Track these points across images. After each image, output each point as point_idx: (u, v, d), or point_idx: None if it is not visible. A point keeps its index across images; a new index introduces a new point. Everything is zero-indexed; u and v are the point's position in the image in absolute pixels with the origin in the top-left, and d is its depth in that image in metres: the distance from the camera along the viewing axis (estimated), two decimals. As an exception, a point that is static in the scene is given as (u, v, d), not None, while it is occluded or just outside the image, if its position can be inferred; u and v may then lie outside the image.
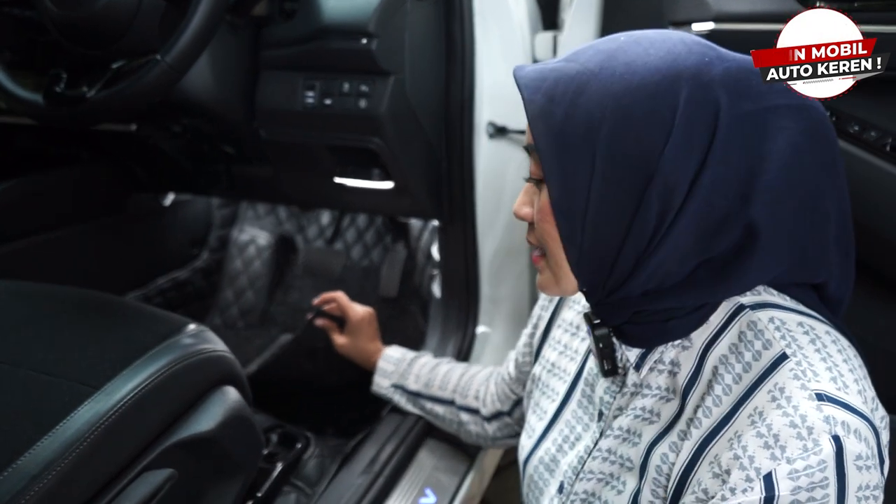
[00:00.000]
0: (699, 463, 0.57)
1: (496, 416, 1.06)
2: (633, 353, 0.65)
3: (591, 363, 0.74)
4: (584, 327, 0.78)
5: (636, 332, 0.63)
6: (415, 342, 1.58)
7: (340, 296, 1.34)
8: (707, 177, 0.55)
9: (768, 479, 0.52)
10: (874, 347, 0.70)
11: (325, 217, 2.08)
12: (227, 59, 1.22)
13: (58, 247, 1.52)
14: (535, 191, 0.64)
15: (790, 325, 0.59)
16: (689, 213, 0.56)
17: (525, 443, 0.80)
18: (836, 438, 0.51)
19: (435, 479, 1.23)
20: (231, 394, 0.97)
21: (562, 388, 0.77)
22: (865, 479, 0.52)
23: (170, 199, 1.83)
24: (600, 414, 0.70)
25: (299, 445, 1.21)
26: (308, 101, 1.23)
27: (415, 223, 1.90)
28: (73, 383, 0.83)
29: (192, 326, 1.01)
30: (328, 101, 1.22)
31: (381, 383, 1.24)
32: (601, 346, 0.66)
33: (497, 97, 1.38)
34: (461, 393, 1.12)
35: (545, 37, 1.39)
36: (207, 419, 0.90)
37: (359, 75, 1.20)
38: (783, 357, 0.56)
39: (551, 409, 0.78)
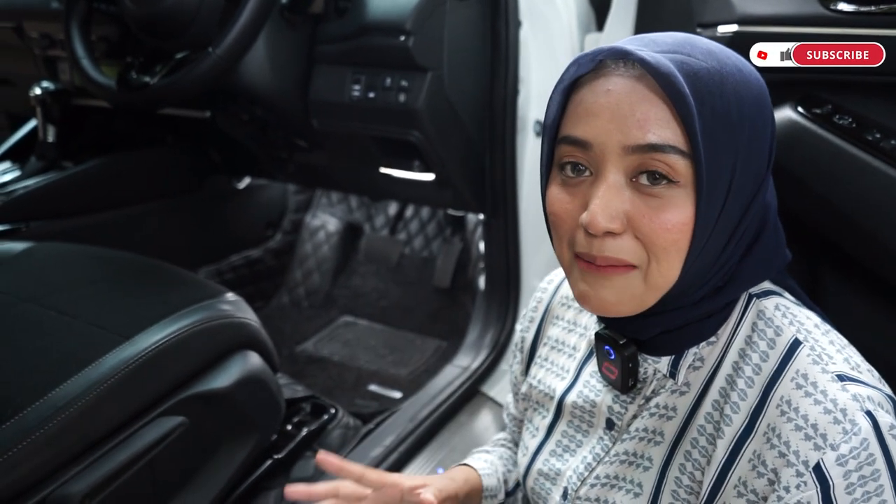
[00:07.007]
0: (738, 459, 0.57)
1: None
2: (662, 364, 0.63)
3: (587, 376, 0.72)
4: (575, 343, 0.76)
5: (670, 340, 0.61)
6: (463, 332, 1.63)
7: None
8: (769, 173, 0.58)
9: (818, 470, 0.52)
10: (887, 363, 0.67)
11: (393, 208, 2.17)
12: (285, 53, 1.32)
13: (141, 219, 1.70)
14: (623, 198, 0.54)
15: (794, 311, 0.60)
16: (756, 210, 0.58)
17: (521, 460, 0.79)
18: (869, 413, 0.52)
19: (449, 461, 1.27)
20: (252, 358, 1.06)
21: (552, 405, 0.76)
22: None
23: (245, 182, 1.97)
24: (610, 423, 0.68)
25: (326, 416, 1.29)
26: (354, 93, 1.31)
27: (472, 218, 1.94)
28: (111, 334, 0.95)
29: (228, 295, 1.11)
30: (372, 95, 1.29)
31: None
32: (630, 364, 0.64)
33: (545, 96, 1.40)
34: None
35: (594, 37, 1.39)
36: (225, 377, 0.99)
37: (400, 71, 1.26)
38: (797, 343, 0.57)
39: (543, 425, 0.76)
